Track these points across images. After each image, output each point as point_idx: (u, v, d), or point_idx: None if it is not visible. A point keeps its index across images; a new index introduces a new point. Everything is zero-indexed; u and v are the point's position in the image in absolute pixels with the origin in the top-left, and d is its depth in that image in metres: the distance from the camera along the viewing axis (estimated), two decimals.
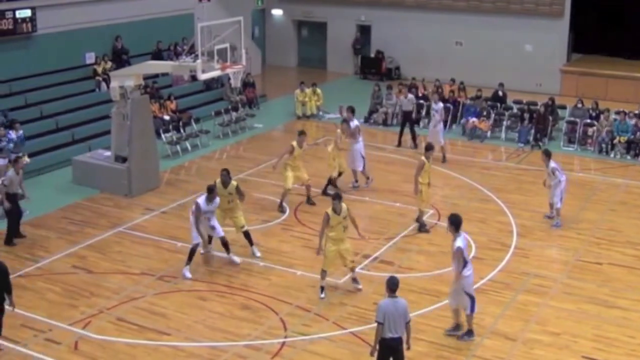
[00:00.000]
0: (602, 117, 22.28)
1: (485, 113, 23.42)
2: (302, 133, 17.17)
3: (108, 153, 18.56)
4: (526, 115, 22.87)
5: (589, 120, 22.48)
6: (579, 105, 23.48)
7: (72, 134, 20.80)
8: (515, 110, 23.74)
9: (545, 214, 16.48)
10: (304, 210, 16.93)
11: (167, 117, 22.23)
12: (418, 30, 30.16)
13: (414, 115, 22.73)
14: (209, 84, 25.70)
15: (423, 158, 15.69)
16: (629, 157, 21.02)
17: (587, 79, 27.59)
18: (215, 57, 17.23)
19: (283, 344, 11.59)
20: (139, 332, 11.90)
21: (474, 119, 23.11)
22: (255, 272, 13.89)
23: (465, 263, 11.43)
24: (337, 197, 12.88)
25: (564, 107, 23.92)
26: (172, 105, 23.13)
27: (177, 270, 13.89)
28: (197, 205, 13.58)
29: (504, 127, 23.10)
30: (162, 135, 20.93)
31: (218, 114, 23.38)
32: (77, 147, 20.12)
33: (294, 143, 16.81)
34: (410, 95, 22.77)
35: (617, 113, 22.38)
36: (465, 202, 17.38)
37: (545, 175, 16.34)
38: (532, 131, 22.26)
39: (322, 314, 12.47)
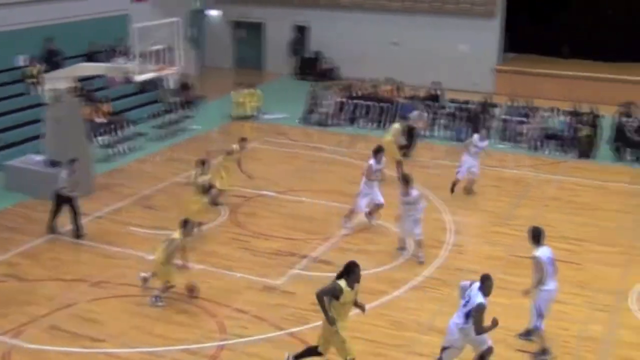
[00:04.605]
0: (534, 114, 22.78)
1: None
2: (243, 139, 17.08)
3: (40, 157, 18.14)
4: (462, 114, 23.25)
5: (521, 118, 22.96)
6: (512, 104, 23.96)
7: (3, 138, 20.26)
8: (450, 109, 24.09)
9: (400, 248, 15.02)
10: (241, 212, 16.84)
11: (101, 120, 21.84)
12: (355, 31, 30.32)
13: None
14: (145, 86, 25.34)
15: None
16: (557, 154, 21.55)
17: (520, 77, 28.14)
18: (151, 59, 17.02)
19: (221, 347, 11.50)
20: (73, 340, 11.65)
21: (412, 114, 23.28)
22: (193, 276, 13.73)
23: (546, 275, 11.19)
24: (353, 267, 10.17)
25: (497, 106, 24.33)
26: (107, 107, 22.73)
27: (113, 275, 13.66)
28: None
29: (439, 126, 23.40)
30: (96, 139, 20.57)
31: (154, 116, 23.07)
32: (8, 152, 19.59)
33: (235, 146, 16.82)
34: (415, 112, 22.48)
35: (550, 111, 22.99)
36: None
37: (400, 204, 14.55)
38: (467, 129, 22.61)
39: (261, 315, 12.41)
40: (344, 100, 25.08)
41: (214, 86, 29.30)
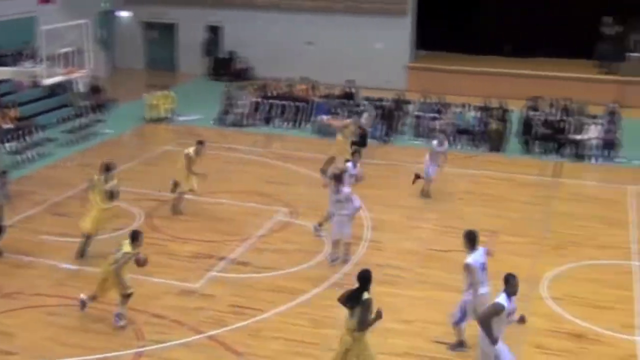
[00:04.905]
0: (446, 110, 23.27)
1: (335, 110, 23.87)
2: (200, 142, 16.82)
3: None
4: (376, 112, 23.52)
5: (434, 114, 23.41)
6: (425, 100, 24.40)
7: None
8: (365, 107, 24.32)
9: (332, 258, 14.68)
10: (158, 215, 16.59)
11: (8, 126, 21.12)
12: (270, 31, 30.31)
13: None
14: (54, 90, 24.63)
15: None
16: (469, 148, 22.08)
17: (432, 74, 28.69)
18: (59, 62, 16.61)
19: (139, 354, 11.29)
20: None
21: (326, 117, 23.48)
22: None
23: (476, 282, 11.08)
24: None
25: (410, 103, 24.74)
26: (14, 113, 22.00)
27: (25, 286, 13.24)
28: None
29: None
30: (4, 145, 19.91)
31: (63, 120, 22.48)
32: None
33: (191, 151, 16.55)
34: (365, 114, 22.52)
35: (462, 106, 23.54)
36: (319, 199, 17.56)
37: (330, 203, 14.52)
38: (382, 127, 22.91)
39: (179, 319, 12.24)
40: (259, 100, 25.03)
41: (125, 88, 28.76)
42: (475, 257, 11.10)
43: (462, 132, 22.73)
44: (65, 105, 24.48)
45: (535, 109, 23.69)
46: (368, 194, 17.90)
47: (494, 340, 9.76)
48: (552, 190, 18.88)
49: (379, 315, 9.84)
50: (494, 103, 23.77)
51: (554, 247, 15.33)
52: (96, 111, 24.47)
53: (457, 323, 11.49)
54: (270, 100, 24.86)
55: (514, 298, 9.91)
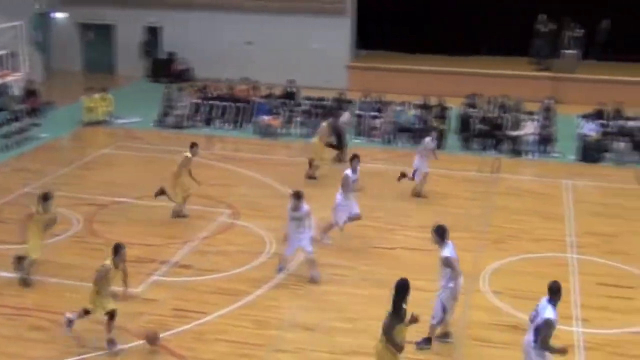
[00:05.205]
0: (386, 109, 23.47)
1: (276, 110, 23.87)
2: (194, 145, 16.53)
3: None
4: (317, 111, 23.61)
5: (375, 113, 23.58)
6: (366, 99, 24.57)
7: None
8: (306, 107, 24.39)
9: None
10: (97, 220, 16.32)
11: None
12: (210, 31, 30.11)
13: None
14: None
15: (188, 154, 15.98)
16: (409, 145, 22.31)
17: (372, 73, 28.88)
18: None
19: None
20: None
21: (267, 117, 23.46)
22: (47, 290, 13.18)
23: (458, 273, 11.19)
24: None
25: (351, 102, 24.87)
26: None
27: None
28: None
29: (295, 124, 23.64)
30: None
31: None
32: None
33: (188, 154, 16.28)
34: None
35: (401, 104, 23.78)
36: (261, 200, 17.57)
37: (288, 220, 13.60)
38: None
39: (121, 325, 12.04)
40: (200, 101, 24.86)
41: (62, 91, 28.17)
42: (451, 250, 11.28)
43: (403, 130, 22.94)
44: (0, 109, 23.89)
45: (473, 106, 24.08)
46: (310, 193, 17.89)
47: (559, 350, 9.69)
48: (491, 185, 19.21)
49: (413, 319, 9.57)
50: (434, 101, 24.06)
51: (494, 242, 15.61)
52: (32, 115, 23.93)
53: (440, 322, 11.54)
54: (211, 101, 24.71)
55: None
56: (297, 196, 13.42)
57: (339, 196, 15.16)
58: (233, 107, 24.42)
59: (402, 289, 9.63)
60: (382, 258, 14.74)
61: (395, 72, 28.83)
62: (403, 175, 18.26)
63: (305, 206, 13.42)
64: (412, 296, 13.04)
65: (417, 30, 30.15)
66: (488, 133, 22.55)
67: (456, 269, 11.23)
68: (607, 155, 21.72)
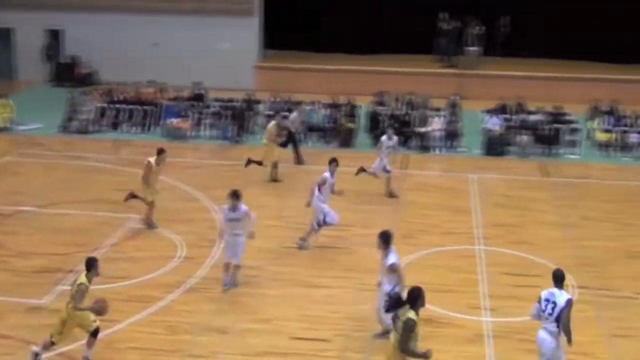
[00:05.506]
0: (296, 108, 23.50)
1: (185, 113, 23.60)
2: (161, 151, 15.95)
3: None
4: (227, 112, 23.46)
5: (285, 113, 23.55)
6: (275, 99, 24.56)
7: None
8: (215, 108, 24.20)
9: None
10: (1, 231, 15.75)
11: None
12: (114, 33, 29.50)
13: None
14: None
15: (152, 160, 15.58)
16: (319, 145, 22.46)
17: (281, 73, 28.91)
18: None
19: None
20: None
21: (175, 120, 23.17)
22: None
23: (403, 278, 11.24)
24: (419, 292, 9.38)
25: (260, 102, 24.82)
26: None
27: None
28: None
29: (205, 126, 23.43)
30: None
31: None
32: None
33: (152, 160, 15.71)
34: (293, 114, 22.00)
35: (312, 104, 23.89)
36: (171, 204, 17.31)
37: (224, 221, 13.34)
38: (233, 127, 22.85)
39: (28, 338, 11.64)
40: (105, 105, 24.33)
41: None
42: (395, 256, 11.36)
43: (313, 129, 23.04)
44: None
45: (382, 104, 24.40)
46: (220, 195, 17.64)
47: (570, 339, 9.87)
48: (401, 181, 19.48)
49: (424, 355, 9.16)
50: (343, 100, 24.25)
51: (404, 237, 15.79)
52: None
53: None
54: (117, 105, 24.22)
55: None
56: (235, 196, 13.05)
57: (316, 199, 15.08)
58: (140, 110, 24.02)
59: (412, 298, 9.35)
60: (292, 258, 14.75)
61: (304, 71, 28.94)
62: (362, 170, 18.43)
63: (243, 206, 13.10)
64: (321, 294, 13.29)
65: (324, 30, 30.40)
66: (397, 130, 22.84)
67: (401, 274, 11.37)
68: (511, 148, 22.39)
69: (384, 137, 18.50)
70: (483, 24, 29.50)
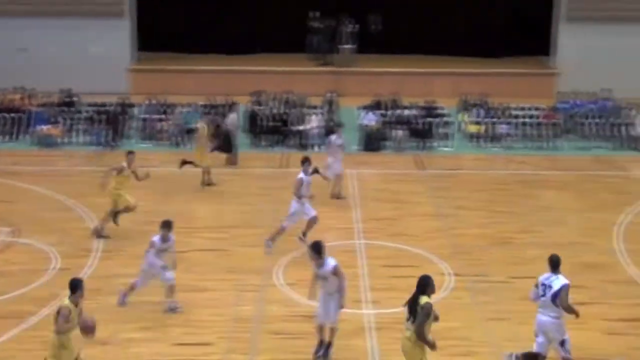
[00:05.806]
0: (172, 111, 23.21)
1: (55, 119, 22.83)
2: (131, 152, 15.48)
3: None
4: (100, 117, 22.87)
5: (160, 116, 23.23)
6: (151, 102, 24.12)
7: None
8: (89, 113, 23.52)
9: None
10: None
11: None
12: None
13: None
14: None
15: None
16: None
17: (156, 75, 28.29)
18: None
19: None
20: None
21: (46, 126, 22.36)
22: None
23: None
24: (429, 279, 9.92)
25: (135, 106, 24.32)
26: None
27: None
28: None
29: (77, 132, 22.71)
30: None
31: None
32: None
33: (124, 163, 15.21)
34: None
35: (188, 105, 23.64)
36: (44, 214, 16.71)
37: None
38: (107, 132, 22.29)
39: None
40: None
41: None
42: (334, 261, 11.21)
43: (190, 132, 22.72)
44: None
45: (259, 103, 24.39)
46: (97, 202, 17.15)
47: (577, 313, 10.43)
48: (281, 180, 19.47)
49: (434, 345, 9.65)
50: (220, 100, 24.08)
51: (284, 235, 15.86)
52: None
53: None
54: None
55: None
56: (168, 226, 12.70)
57: (294, 202, 15.01)
58: (7, 117, 23.00)
59: (421, 285, 9.78)
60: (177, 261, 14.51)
61: (180, 73, 28.47)
62: (185, 162, 18.35)
63: (172, 236, 12.82)
64: (205, 297, 13.18)
65: (197, 31, 30.00)
66: (275, 129, 22.95)
67: (344, 276, 11.33)
68: (387, 143, 22.87)
69: (333, 136, 18.52)
70: (356, 22, 29.95)
